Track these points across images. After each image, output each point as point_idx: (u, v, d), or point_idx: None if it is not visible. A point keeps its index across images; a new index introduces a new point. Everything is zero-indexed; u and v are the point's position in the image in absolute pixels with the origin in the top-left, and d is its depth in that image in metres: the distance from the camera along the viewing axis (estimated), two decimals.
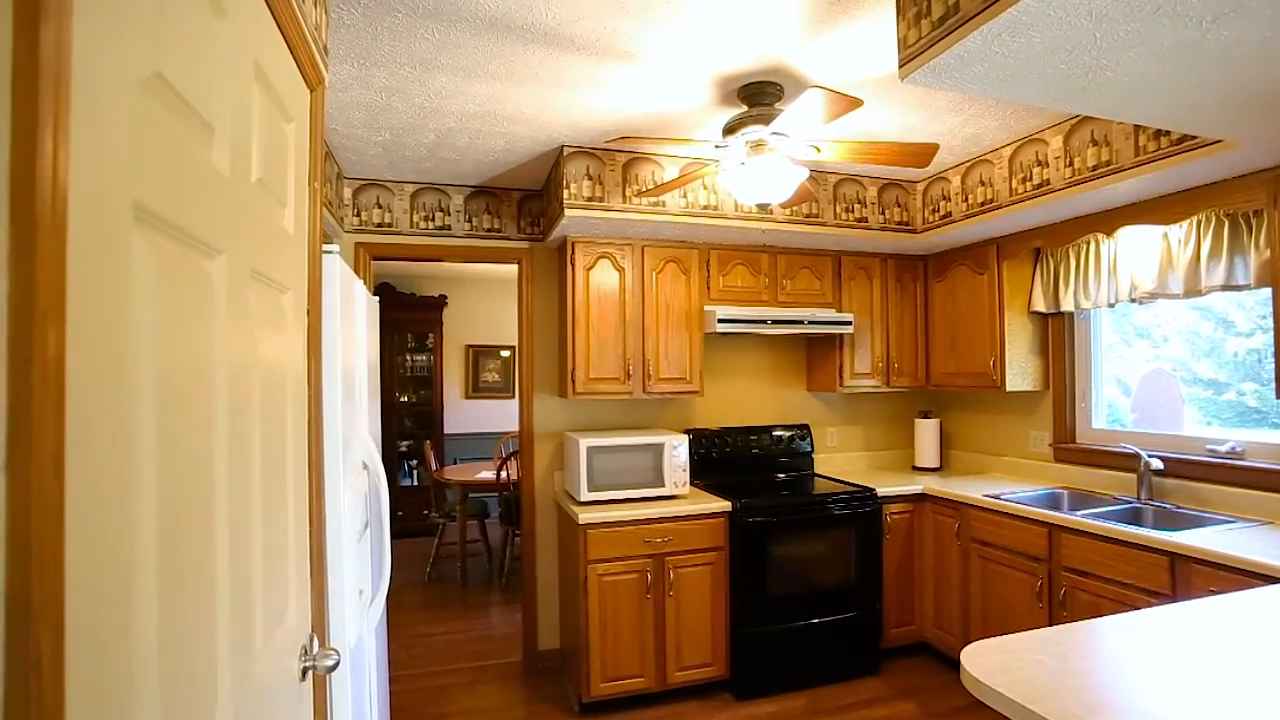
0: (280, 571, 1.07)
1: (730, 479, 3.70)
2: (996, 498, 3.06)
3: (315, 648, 1.23)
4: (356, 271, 3.30)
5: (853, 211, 3.35)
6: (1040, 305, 3.40)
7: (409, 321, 6.52)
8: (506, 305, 6.95)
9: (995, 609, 3.01)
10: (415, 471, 6.53)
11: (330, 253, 1.55)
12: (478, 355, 7.00)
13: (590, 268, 3.27)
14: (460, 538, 4.95)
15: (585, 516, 2.91)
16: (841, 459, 4.07)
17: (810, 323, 3.47)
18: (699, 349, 3.43)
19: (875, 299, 3.80)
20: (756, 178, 2.35)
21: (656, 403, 3.72)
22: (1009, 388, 3.38)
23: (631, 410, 3.67)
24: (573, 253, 3.24)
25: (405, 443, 6.51)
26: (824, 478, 3.80)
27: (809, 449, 3.88)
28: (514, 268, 3.63)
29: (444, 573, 5.16)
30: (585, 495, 3.06)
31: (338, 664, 1.21)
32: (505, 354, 7.08)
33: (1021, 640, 1.43)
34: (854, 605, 3.29)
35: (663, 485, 3.18)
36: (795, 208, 3.23)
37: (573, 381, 3.23)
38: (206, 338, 0.79)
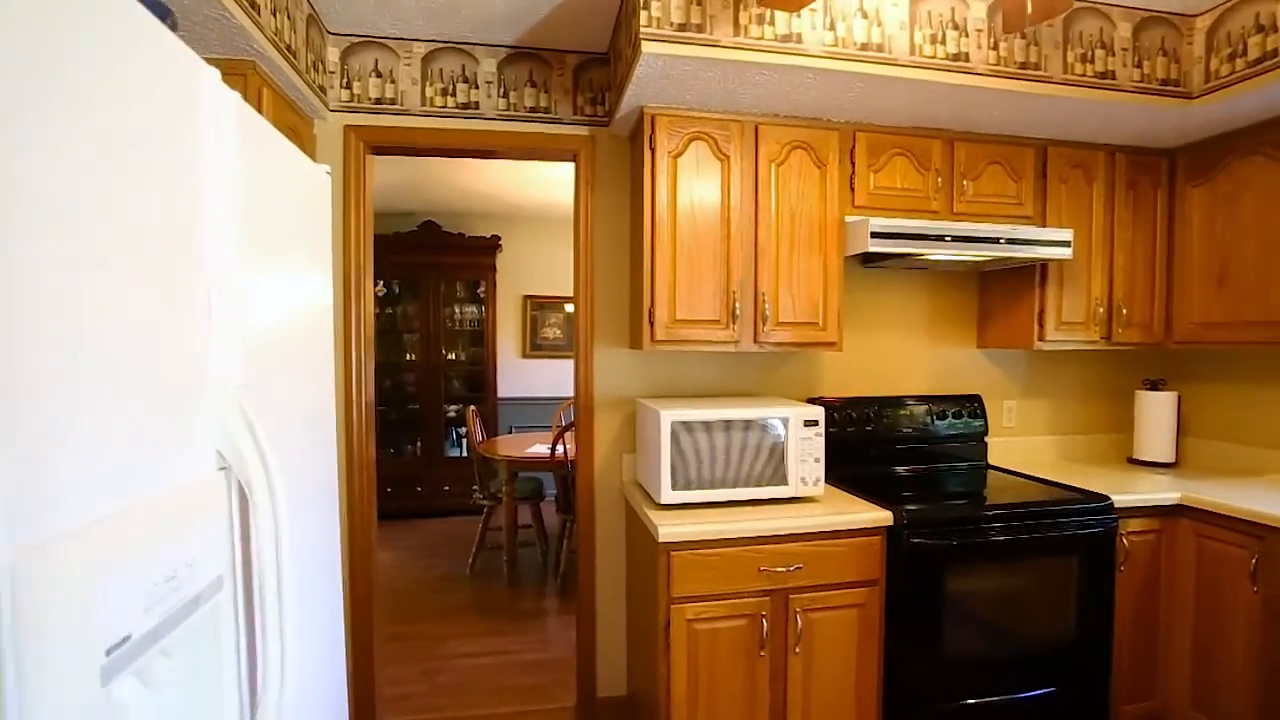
0: None
1: (867, 472, 2.60)
2: None
3: None
4: (349, 167, 2.34)
5: (1092, 61, 2.13)
6: None
7: (457, 266, 5.62)
8: (570, 248, 5.95)
9: None
10: (464, 440, 5.70)
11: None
12: (538, 307, 6.05)
13: (679, 154, 2.18)
14: (507, 527, 4.05)
15: (669, 530, 1.89)
16: (1021, 445, 2.89)
17: (1008, 241, 2.29)
18: (837, 279, 2.32)
19: (1096, 212, 2.56)
20: None
21: (764, 360, 2.64)
22: None
23: (729, 369, 2.60)
24: (653, 132, 2.16)
25: (453, 407, 5.67)
26: (1007, 472, 2.64)
27: (981, 430, 2.72)
28: (570, 178, 2.58)
29: (490, 565, 4.29)
30: (668, 495, 2.04)
31: None
32: (570, 308, 6.10)
33: None
34: (1069, 671, 2.16)
35: (784, 483, 2.12)
36: (1006, 55, 2.04)
37: (651, 325, 2.18)
38: None
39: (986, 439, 2.77)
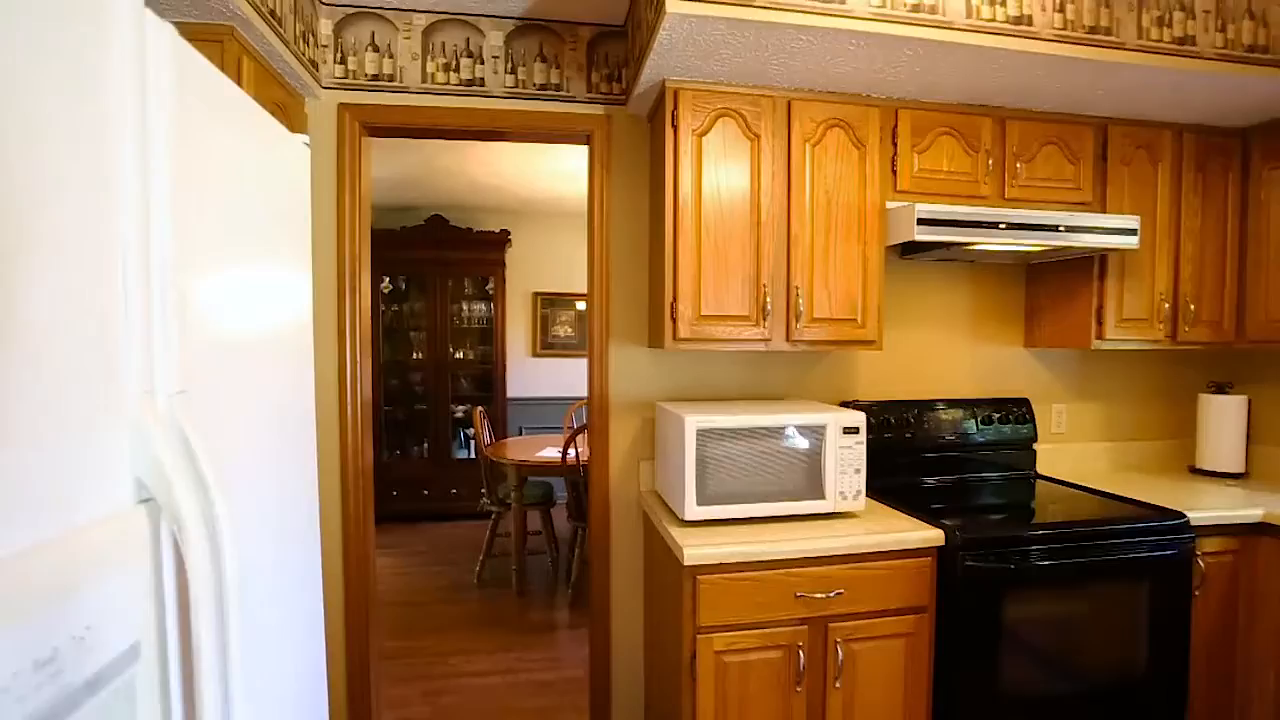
0: None
1: (907, 483, 2.38)
2: None
3: None
4: (344, 150, 2.15)
5: (1169, 25, 1.90)
6: None
7: (465, 263, 5.43)
8: (582, 244, 5.75)
9: None
10: (472, 442, 5.52)
11: None
12: (548, 305, 5.86)
13: (704, 133, 1.97)
14: (516, 535, 3.85)
15: (695, 551, 1.68)
16: (1072, 453, 2.66)
17: (1068, 229, 2.06)
18: (877, 271, 2.10)
19: (1162, 197, 2.32)
20: None
21: (793, 360, 2.42)
22: None
23: (755, 370, 2.39)
24: (675, 108, 1.95)
25: (461, 407, 5.48)
26: (1061, 483, 2.41)
27: (1029, 437, 2.50)
28: (582, 168, 2.38)
29: (498, 572, 4.10)
30: (692, 510, 1.83)
31: None
32: (581, 305, 5.90)
33: None
34: (1140, 709, 1.94)
35: (820, 496, 1.90)
36: (1074, 18, 1.81)
37: (674, 321, 1.97)
38: None
39: (1035, 446, 2.54)
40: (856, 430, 1.92)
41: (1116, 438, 2.72)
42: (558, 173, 4.30)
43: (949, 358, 2.56)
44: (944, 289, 2.55)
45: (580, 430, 3.54)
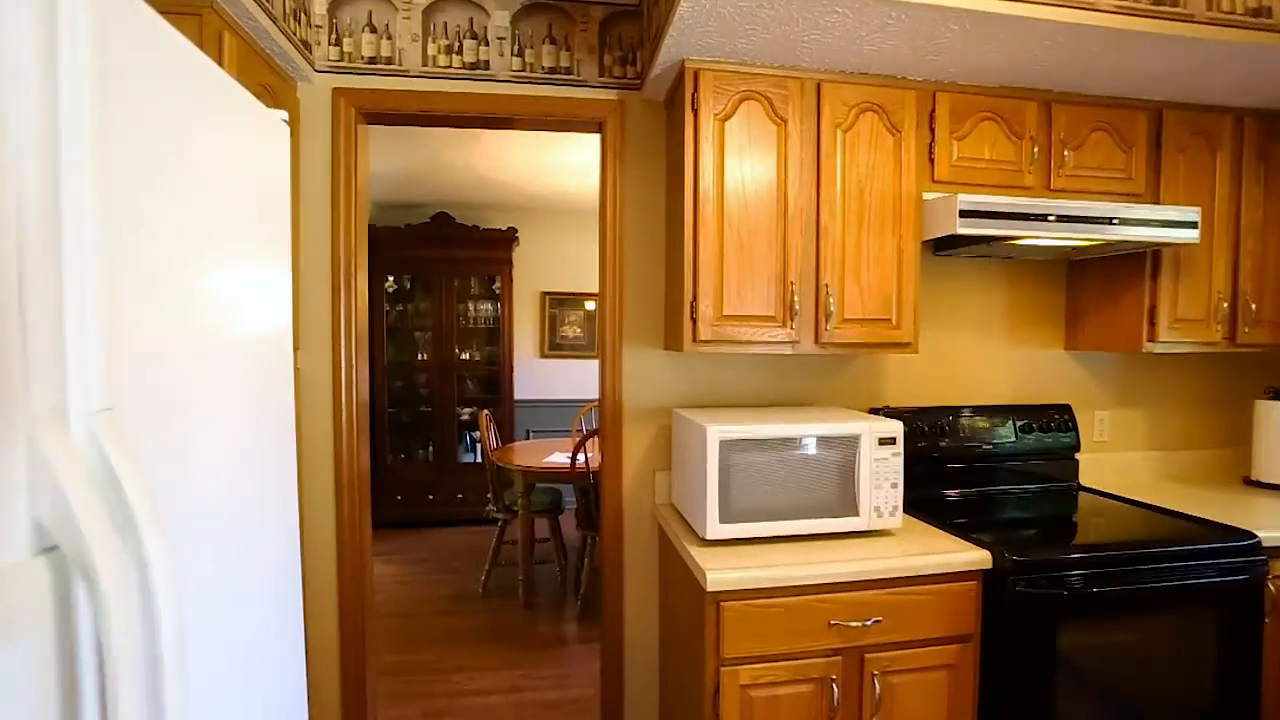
0: None
1: (941, 496, 2.21)
2: None
3: None
4: (339, 137, 2.01)
5: None
6: None
7: (471, 261, 5.29)
8: (591, 242, 5.61)
9: None
10: (478, 445, 5.38)
11: None
12: (556, 304, 5.71)
13: (726, 117, 1.82)
14: (522, 543, 3.70)
15: (719, 575, 1.52)
16: (1117, 463, 2.49)
17: (1121, 222, 1.89)
18: (913, 268, 1.94)
19: (1220, 188, 2.15)
20: None
21: (819, 364, 2.26)
22: None
23: (778, 375, 2.23)
24: (696, 91, 1.80)
25: (466, 410, 5.34)
26: (1108, 496, 2.24)
27: (1071, 446, 2.33)
28: (593, 163, 2.23)
29: (504, 583, 3.95)
30: (714, 528, 1.67)
31: None
32: (591, 305, 5.75)
33: None
34: None
35: (854, 513, 1.74)
36: None
37: (694, 322, 1.82)
38: None
39: (1077, 456, 2.37)
40: (893, 440, 1.76)
41: (1163, 446, 2.54)
42: (567, 167, 4.15)
43: (984, 361, 2.40)
44: (979, 287, 2.38)
45: (590, 435, 3.39)
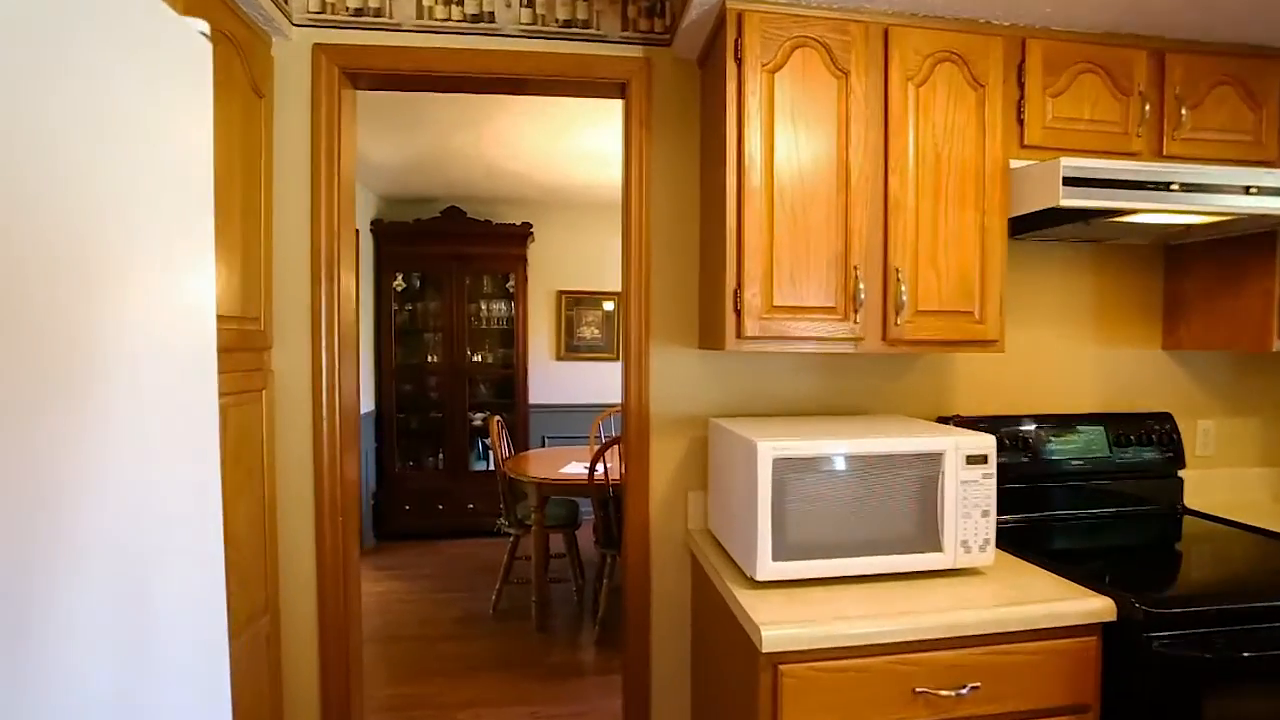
0: None
1: (1026, 523, 1.88)
2: None
3: None
4: (320, 104, 1.73)
5: None
6: None
7: (484, 258, 5.01)
8: (610, 238, 5.32)
9: None
10: (491, 453, 5.10)
11: None
12: (573, 304, 5.42)
13: (776, 69, 1.51)
14: (536, 561, 3.40)
15: (777, 633, 1.21)
16: (1224, 481, 2.13)
17: (1256, 191, 1.55)
18: (999, 249, 1.61)
19: None
20: None
21: (879, 365, 1.94)
22: None
23: (830, 378, 1.91)
24: (740, 36, 1.49)
25: (479, 415, 5.07)
26: (1228, 524, 1.88)
27: (1173, 462, 1.98)
28: (614, 147, 1.93)
29: (516, 603, 3.66)
30: (767, 567, 1.36)
31: None
32: (609, 305, 5.45)
33: None
34: None
35: (937, 548, 1.42)
36: None
37: (738, 315, 1.50)
38: None
39: (1180, 473, 2.03)
40: (984, 459, 1.43)
41: (1273, 463, 2.18)
42: (583, 154, 3.85)
43: (1068, 362, 2.06)
44: (1061, 276, 2.05)
45: (610, 444, 3.08)
